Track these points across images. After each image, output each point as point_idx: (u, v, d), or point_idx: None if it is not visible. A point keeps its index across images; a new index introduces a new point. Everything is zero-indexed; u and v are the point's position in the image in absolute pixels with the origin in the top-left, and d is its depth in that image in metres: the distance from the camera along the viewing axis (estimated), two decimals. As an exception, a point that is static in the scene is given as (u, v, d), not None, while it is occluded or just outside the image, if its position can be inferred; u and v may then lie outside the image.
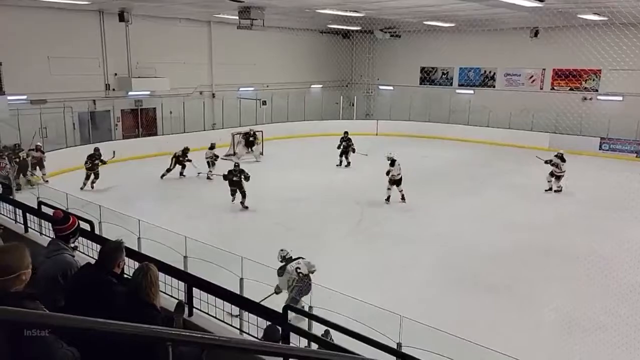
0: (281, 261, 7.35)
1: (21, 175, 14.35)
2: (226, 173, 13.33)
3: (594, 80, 21.79)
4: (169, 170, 15.98)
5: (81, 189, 14.35)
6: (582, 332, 7.29)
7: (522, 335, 7.09)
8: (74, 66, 17.88)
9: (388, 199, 13.42)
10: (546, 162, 15.06)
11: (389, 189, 13.40)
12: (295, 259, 7.30)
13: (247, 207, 13.05)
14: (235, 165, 13.58)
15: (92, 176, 14.69)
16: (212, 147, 16.41)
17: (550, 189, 15.00)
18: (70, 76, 17.78)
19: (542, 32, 21.17)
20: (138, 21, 19.03)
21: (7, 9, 16.25)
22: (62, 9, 17.16)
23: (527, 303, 8.21)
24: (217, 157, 16.43)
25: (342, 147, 18.14)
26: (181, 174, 16.29)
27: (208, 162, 16.20)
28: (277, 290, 7.10)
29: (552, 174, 14.96)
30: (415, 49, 25.47)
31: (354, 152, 18.07)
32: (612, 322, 7.53)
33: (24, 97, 16.78)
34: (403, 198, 13.47)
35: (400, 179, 13.41)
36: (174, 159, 16.12)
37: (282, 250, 7.53)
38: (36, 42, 16.94)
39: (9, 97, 15.56)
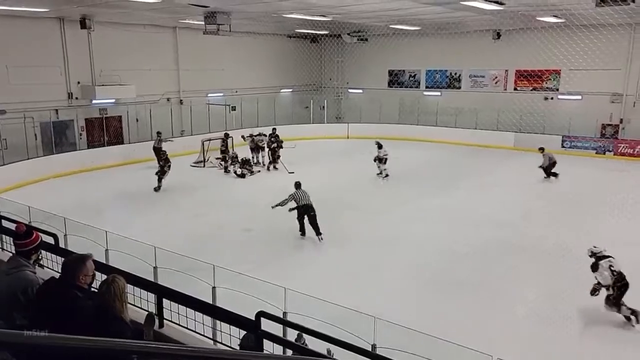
0: (591, 256, 7.56)
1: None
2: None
3: (554, 80, 22.50)
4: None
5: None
6: (553, 325, 7.47)
7: (495, 331, 7.22)
8: (34, 75, 17.33)
9: None
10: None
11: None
12: (606, 257, 7.46)
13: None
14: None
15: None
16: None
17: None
18: (30, 85, 17.22)
19: (504, 34, 21.77)
20: (101, 28, 18.62)
21: (-39, 16, 15.69)
22: (20, 17, 16.63)
23: (499, 299, 8.37)
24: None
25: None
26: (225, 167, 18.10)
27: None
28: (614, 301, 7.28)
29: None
30: (382, 52, 25.78)
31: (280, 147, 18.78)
32: (580, 315, 7.75)
33: (-18, 107, 16.18)
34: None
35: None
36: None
37: (595, 247, 7.65)
38: (-7, 50, 16.38)
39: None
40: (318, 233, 10.96)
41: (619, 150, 20.37)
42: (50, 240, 5.58)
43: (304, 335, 4.57)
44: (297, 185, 11.84)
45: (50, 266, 5.64)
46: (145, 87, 20.30)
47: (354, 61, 27.31)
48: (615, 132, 21.26)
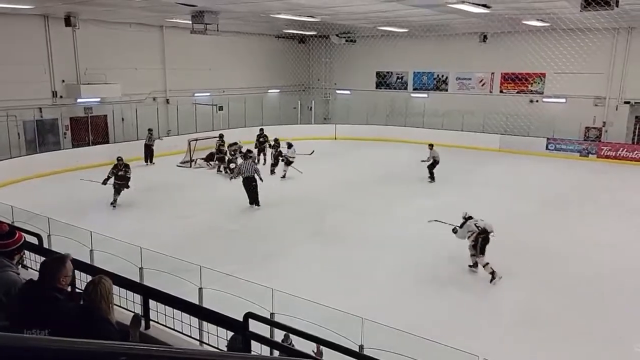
0: (463, 218, 9.59)
1: None
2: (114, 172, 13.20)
3: (539, 83, 22.78)
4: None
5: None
6: (537, 327, 7.56)
7: (482, 332, 7.27)
8: (17, 73, 17.03)
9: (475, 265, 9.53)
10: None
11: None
12: (471, 217, 9.48)
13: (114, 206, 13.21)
14: (119, 159, 13.37)
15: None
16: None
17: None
18: (13, 83, 16.92)
19: (490, 37, 21.99)
20: (86, 26, 18.40)
21: (-58, 12, 15.38)
22: (3, 14, 16.34)
23: (487, 300, 8.44)
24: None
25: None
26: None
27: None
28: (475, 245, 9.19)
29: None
30: (370, 54, 25.88)
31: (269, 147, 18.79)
32: (565, 316, 7.85)
33: (-37, 105, 15.89)
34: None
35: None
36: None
37: (465, 212, 9.75)
38: (-25, 48, 16.09)
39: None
40: (255, 203, 13.25)
41: (602, 153, 20.69)
42: (34, 240, 5.49)
43: (291, 336, 4.57)
44: (245, 156, 14.13)
45: (34, 267, 5.55)
46: (131, 86, 20.11)
47: (341, 62, 27.37)
48: (598, 135, 21.60)
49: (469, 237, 9.28)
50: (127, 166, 13.37)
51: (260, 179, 13.55)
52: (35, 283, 3.30)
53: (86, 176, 14.47)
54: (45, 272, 3.22)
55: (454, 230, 9.64)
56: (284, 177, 16.76)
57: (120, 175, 13.19)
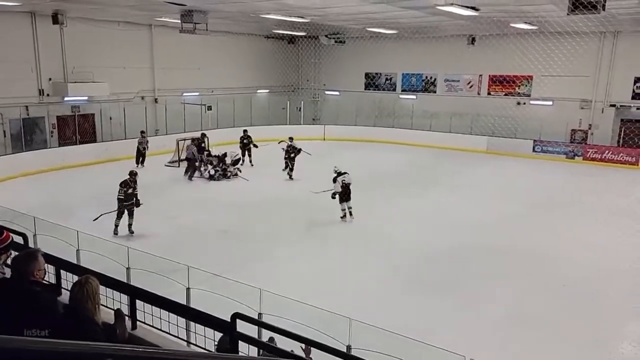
0: (335, 173, 12.28)
1: None
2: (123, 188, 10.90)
3: (526, 85, 23.02)
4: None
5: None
6: (525, 328, 7.64)
7: (469, 333, 7.32)
8: (3, 70, 16.79)
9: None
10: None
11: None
12: (343, 173, 12.25)
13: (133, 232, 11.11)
14: (132, 174, 11.21)
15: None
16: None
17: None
18: (-1, 81, 16.73)
19: (479, 40, 22.17)
20: (74, 24, 18.20)
21: None
22: (-11, 10, 16.16)
23: (474, 300, 8.50)
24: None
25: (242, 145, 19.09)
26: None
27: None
28: (333, 195, 12.20)
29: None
30: (359, 55, 25.95)
31: (256, 147, 18.99)
32: (553, 317, 7.95)
33: (-53, 103, 15.64)
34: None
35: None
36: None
37: (335, 166, 12.51)
38: (-40, 44, 15.85)
39: None
40: (190, 177, 16.43)
41: (588, 155, 20.94)
42: (20, 240, 5.44)
43: (276, 338, 4.57)
44: (192, 143, 17.10)
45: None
46: (119, 85, 19.95)
47: (330, 63, 27.39)
48: (584, 137, 21.89)
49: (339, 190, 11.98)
50: (136, 182, 11.23)
51: (200, 165, 16.42)
52: (9, 281, 3.26)
53: (72, 175, 14.25)
54: (18, 268, 3.20)
55: (333, 195, 12.17)
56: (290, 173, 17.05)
57: (129, 194, 10.98)
